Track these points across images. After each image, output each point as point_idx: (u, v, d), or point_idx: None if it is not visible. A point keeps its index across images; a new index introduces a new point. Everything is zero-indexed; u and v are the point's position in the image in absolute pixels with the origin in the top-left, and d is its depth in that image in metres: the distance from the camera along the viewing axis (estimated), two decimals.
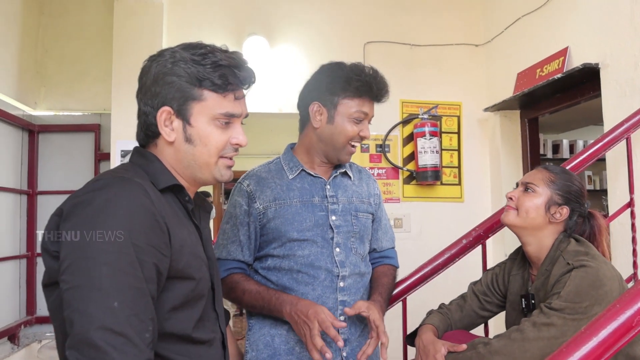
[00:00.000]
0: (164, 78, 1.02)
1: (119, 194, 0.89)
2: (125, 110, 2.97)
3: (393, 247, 1.78)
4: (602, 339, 0.85)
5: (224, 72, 1.03)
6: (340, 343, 1.36)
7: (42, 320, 3.03)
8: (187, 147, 1.06)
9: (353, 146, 1.58)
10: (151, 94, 1.04)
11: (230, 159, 1.10)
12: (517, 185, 1.58)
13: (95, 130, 3.21)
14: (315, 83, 1.61)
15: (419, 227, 3.52)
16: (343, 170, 1.65)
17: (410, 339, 1.68)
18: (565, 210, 1.48)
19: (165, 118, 1.04)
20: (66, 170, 3.14)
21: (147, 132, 1.07)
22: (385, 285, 1.66)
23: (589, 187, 5.10)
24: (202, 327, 1.05)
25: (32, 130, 3.11)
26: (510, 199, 1.54)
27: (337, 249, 1.56)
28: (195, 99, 1.04)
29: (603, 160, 2.43)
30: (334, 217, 1.57)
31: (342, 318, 1.53)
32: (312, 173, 1.60)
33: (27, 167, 3.09)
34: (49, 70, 3.26)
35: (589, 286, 1.30)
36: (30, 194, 3.08)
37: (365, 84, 1.52)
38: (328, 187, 1.61)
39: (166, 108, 1.03)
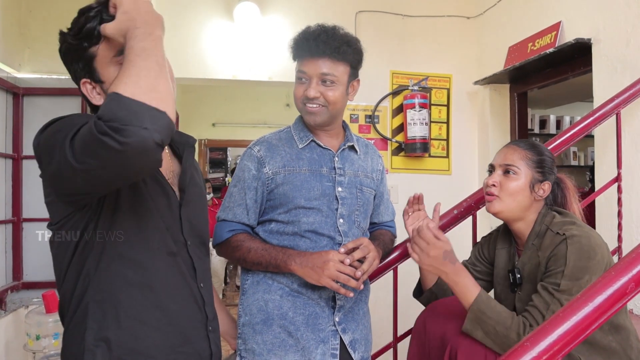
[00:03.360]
0: (66, 55, 1.14)
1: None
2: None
3: (393, 220, 1.82)
4: (597, 304, 0.88)
5: (89, 22, 1.10)
6: (355, 279, 1.45)
7: (29, 286, 3.01)
8: None
9: (308, 106, 1.55)
10: (70, 71, 1.16)
11: None
12: (491, 168, 1.56)
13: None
14: None
15: (406, 199, 3.54)
16: (351, 143, 1.67)
17: (416, 293, 1.75)
18: (547, 186, 1.50)
19: (87, 90, 1.15)
20: None
21: (91, 103, 1.19)
22: (382, 240, 1.70)
23: (574, 162, 5.19)
24: (171, 243, 1.17)
25: (17, 93, 3.03)
26: (494, 185, 1.51)
27: (341, 220, 1.58)
28: (92, 58, 1.12)
29: (589, 136, 2.47)
30: (340, 189, 1.59)
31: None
32: (321, 144, 1.62)
33: (11, 130, 3.02)
34: (33, 31, 3.16)
35: (586, 258, 1.33)
36: (16, 158, 3.02)
37: (297, 44, 1.56)
38: (336, 159, 1.62)
39: (83, 79, 1.14)
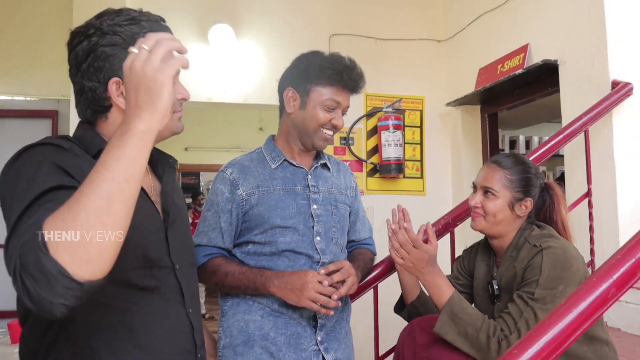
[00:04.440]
0: (103, 49, 1.03)
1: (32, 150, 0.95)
2: None
3: (371, 237, 1.82)
4: (581, 310, 0.89)
5: (142, 30, 1.07)
6: (334, 298, 1.44)
7: None
8: None
9: (326, 133, 1.59)
10: (94, 69, 1.03)
11: (179, 111, 1.15)
12: (474, 187, 1.60)
13: (52, 116, 3.09)
14: (291, 69, 1.63)
15: (382, 220, 3.52)
16: (323, 161, 1.68)
17: (397, 308, 1.75)
18: (529, 203, 1.53)
19: (115, 88, 1.04)
20: None
21: (96, 108, 1.07)
22: (361, 260, 1.70)
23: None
24: (147, 276, 1.08)
25: None
26: (476, 206, 1.55)
27: (318, 237, 1.57)
28: None
29: (556, 156, 2.53)
30: (315, 206, 1.59)
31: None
32: (294, 163, 1.62)
33: None
34: (2, 53, 3.11)
35: (561, 269, 1.36)
36: None
37: (338, 73, 1.54)
38: (309, 177, 1.62)
39: (115, 79, 1.04)
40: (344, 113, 1.61)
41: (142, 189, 1.10)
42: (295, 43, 3.52)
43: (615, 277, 0.93)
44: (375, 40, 3.68)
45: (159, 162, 1.24)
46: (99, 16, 1.06)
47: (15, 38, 3.15)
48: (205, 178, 8.44)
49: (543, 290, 1.35)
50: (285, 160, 1.62)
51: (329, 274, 1.48)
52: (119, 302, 1.04)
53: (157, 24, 1.09)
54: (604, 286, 0.92)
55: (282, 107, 1.64)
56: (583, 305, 0.90)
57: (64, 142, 0.99)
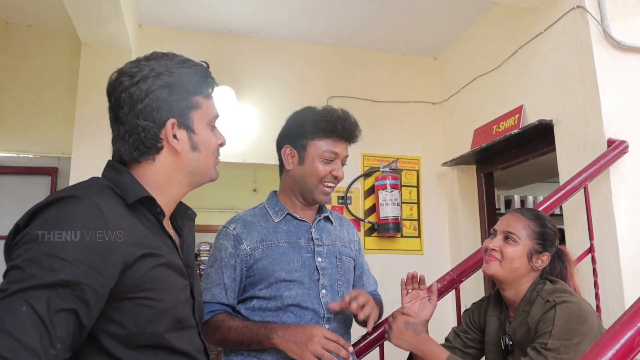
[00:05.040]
0: (161, 90, 1.04)
1: (69, 213, 0.87)
2: (86, 154, 2.88)
3: (376, 289, 1.80)
4: (609, 357, 0.87)
5: (209, 79, 1.11)
6: (344, 353, 1.39)
7: None
8: (193, 155, 1.09)
9: (327, 186, 1.60)
10: (151, 109, 1.04)
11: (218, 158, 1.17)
12: (493, 232, 1.60)
13: (52, 173, 3.09)
14: (287, 127, 1.67)
15: (380, 279, 3.43)
16: (326, 214, 1.68)
17: None
18: (546, 257, 1.53)
19: (170, 129, 1.05)
20: (21, 213, 2.97)
21: (146, 148, 1.05)
22: (376, 300, 1.67)
23: None
24: (179, 337, 1.02)
25: None
26: (494, 249, 1.54)
27: (324, 291, 1.55)
28: (194, 107, 1.08)
29: (553, 215, 2.54)
30: (319, 259, 1.57)
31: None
32: (297, 216, 1.62)
33: None
34: (6, 111, 3.15)
35: (575, 322, 1.34)
36: None
37: (332, 124, 1.57)
38: (313, 230, 1.62)
39: (172, 120, 1.05)
40: (343, 164, 1.62)
41: (173, 243, 1.08)
42: (293, 104, 3.54)
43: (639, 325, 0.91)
44: (372, 102, 3.78)
45: (178, 214, 1.20)
46: (149, 58, 1.08)
47: (21, 96, 3.20)
48: (198, 239, 8.35)
49: (557, 341, 1.32)
50: (288, 214, 1.62)
51: (349, 301, 1.47)
52: None
53: (202, 67, 1.11)
54: (630, 334, 0.90)
55: (281, 165, 1.66)
56: (610, 354, 0.88)
57: (102, 200, 0.92)
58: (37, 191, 3.05)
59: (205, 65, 1.13)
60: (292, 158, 1.61)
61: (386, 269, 3.56)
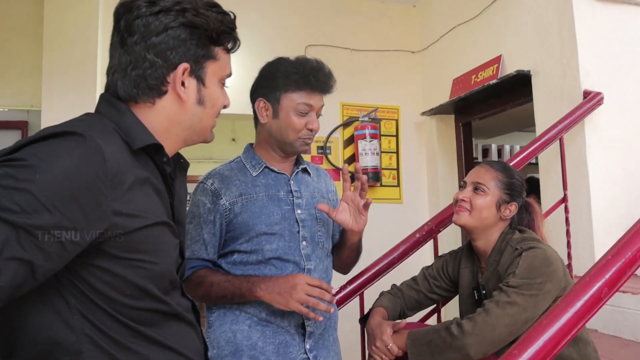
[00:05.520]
0: (182, 29, 0.92)
1: (66, 152, 0.76)
2: (57, 106, 2.79)
3: None
4: (576, 309, 0.92)
5: (234, 33, 1.00)
6: (328, 297, 1.42)
7: None
8: (197, 109, 0.98)
9: (305, 138, 1.58)
10: (166, 47, 0.91)
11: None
12: (463, 184, 1.64)
13: (22, 127, 3.01)
14: (259, 79, 1.62)
15: None
16: (304, 166, 1.67)
17: (363, 322, 1.73)
18: (513, 207, 1.58)
19: (181, 74, 0.93)
20: None
21: (144, 88, 0.92)
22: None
23: None
24: (170, 300, 0.94)
25: None
26: (463, 200, 1.59)
27: (304, 242, 1.57)
28: (212, 58, 0.97)
29: (531, 164, 2.60)
30: (299, 211, 1.58)
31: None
32: (274, 169, 1.61)
33: None
34: None
35: (540, 264, 1.40)
36: None
37: (305, 77, 1.53)
38: (292, 182, 1.62)
39: (185, 65, 0.93)
40: (318, 115, 1.59)
41: (171, 195, 0.98)
42: (270, 53, 3.44)
43: (607, 276, 0.95)
44: (350, 51, 3.72)
45: (175, 163, 1.06)
46: None
47: None
48: None
49: (520, 280, 1.38)
50: (266, 167, 1.61)
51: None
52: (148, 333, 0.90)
53: (230, 18, 1.01)
54: (597, 285, 0.94)
55: (256, 118, 1.64)
56: (578, 305, 0.92)
57: (106, 145, 0.80)
58: (7, 145, 2.97)
59: (233, 16, 1.01)
60: (266, 111, 1.58)
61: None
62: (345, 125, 3.67)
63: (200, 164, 7.29)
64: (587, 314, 0.93)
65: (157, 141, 0.93)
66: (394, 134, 3.79)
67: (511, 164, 2.14)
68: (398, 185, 3.75)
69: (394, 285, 1.77)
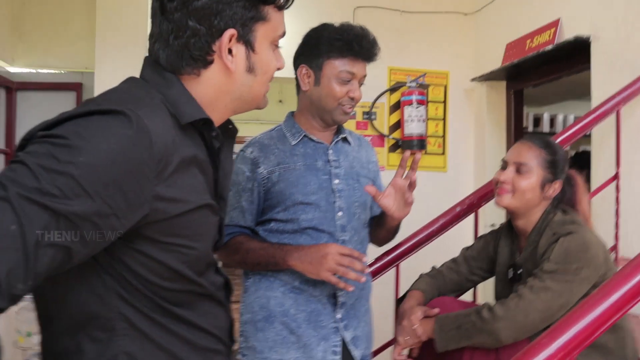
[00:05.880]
0: None
1: (111, 133, 0.72)
2: (110, 69, 2.87)
3: None
4: (612, 301, 0.88)
5: None
6: (359, 265, 1.42)
7: None
8: (247, 78, 0.91)
9: (346, 107, 1.56)
10: (210, 11, 0.84)
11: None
12: (504, 163, 1.56)
13: (76, 89, 3.11)
14: (302, 46, 1.61)
15: None
16: (344, 135, 1.66)
17: (399, 303, 1.71)
18: (557, 185, 1.51)
19: (227, 41, 0.86)
20: None
21: (188, 59, 0.86)
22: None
23: None
24: (204, 280, 0.92)
25: (10, 88, 3.00)
26: (505, 182, 1.52)
27: (340, 213, 1.57)
28: (262, 19, 0.89)
29: (585, 136, 2.47)
30: (337, 181, 1.58)
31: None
32: (314, 138, 1.61)
33: (4, 125, 2.98)
34: (27, 26, 3.12)
35: (576, 249, 1.35)
36: (9, 153, 2.98)
37: (348, 44, 1.51)
38: (330, 151, 1.61)
39: (232, 31, 0.86)
40: (361, 83, 1.58)
41: (216, 171, 0.93)
42: (318, 15, 3.41)
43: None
44: (400, 13, 3.60)
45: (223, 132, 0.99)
46: None
47: (39, 11, 3.16)
48: None
49: (554, 265, 1.34)
50: (305, 136, 1.61)
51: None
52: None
53: None
54: (638, 278, 0.90)
55: (298, 85, 1.63)
56: (615, 296, 0.89)
57: (153, 123, 0.76)
58: (62, 107, 3.02)
59: None
60: (307, 78, 1.57)
61: None
62: (392, 90, 3.60)
63: (247, 125, 7.36)
64: (624, 306, 0.89)
65: (207, 115, 0.88)
66: (442, 100, 3.68)
67: (562, 137, 2.06)
68: (443, 153, 3.67)
69: (433, 267, 1.75)
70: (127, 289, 0.81)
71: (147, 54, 0.93)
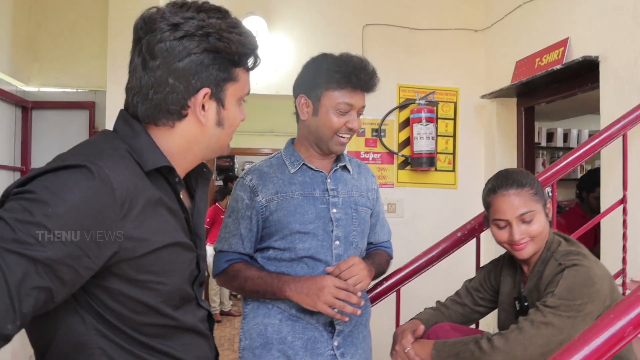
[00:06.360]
0: (206, 55, 0.92)
1: (76, 185, 0.79)
2: (121, 88, 2.87)
3: (389, 240, 1.81)
4: (594, 348, 0.87)
5: (256, 50, 1.00)
6: (355, 299, 1.45)
7: None
8: (216, 131, 0.99)
9: (342, 137, 1.57)
10: (189, 71, 0.91)
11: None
12: (504, 223, 1.48)
13: (89, 107, 3.18)
14: (301, 76, 1.62)
15: (412, 213, 3.54)
16: (343, 164, 1.67)
17: None
18: (549, 204, 1.52)
19: (202, 98, 0.94)
20: (60, 147, 2.99)
21: (165, 112, 0.93)
22: (376, 258, 1.69)
23: (580, 174, 5.13)
24: (183, 314, 0.99)
25: (26, 107, 3.08)
26: (522, 238, 1.46)
27: (337, 242, 1.58)
28: (232, 80, 0.97)
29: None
30: (334, 210, 1.59)
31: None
32: (312, 167, 1.62)
33: (20, 143, 3.06)
34: (42, 45, 3.21)
35: (581, 284, 1.33)
36: (24, 171, 3.06)
37: (347, 75, 1.51)
38: (329, 180, 1.62)
39: (206, 89, 0.94)
40: (359, 114, 1.59)
41: (185, 213, 0.99)
42: (328, 33, 3.49)
43: (633, 314, 0.90)
44: (409, 30, 3.60)
45: (192, 172, 1.08)
46: (199, 9, 0.93)
47: (55, 31, 3.24)
48: (239, 160, 8.52)
49: (558, 300, 1.32)
50: (304, 164, 1.62)
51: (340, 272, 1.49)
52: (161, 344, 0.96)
53: (252, 36, 1.00)
54: (621, 324, 0.89)
55: (297, 114, 1.64)
56: (597, 342, 0.88)
57: (115, 173, 0.83)
58: (76, 125, 3.15)
59: (255, 35, 1.02)
60: (306, 108, 1.58)
61: (419, 203, 3.57)
62: (401, 107, 3.59)
63: (262, 137, 7.43)
64: (607, 352, 0.88)
65: (168, 163, 0.95)
66: (452, 117, 3.67)
67: (567, 161, 2.04)
68: (453, 170, 3.65)
69: (438, 302, 1.74)
70: (105, 324, 0.88)
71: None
